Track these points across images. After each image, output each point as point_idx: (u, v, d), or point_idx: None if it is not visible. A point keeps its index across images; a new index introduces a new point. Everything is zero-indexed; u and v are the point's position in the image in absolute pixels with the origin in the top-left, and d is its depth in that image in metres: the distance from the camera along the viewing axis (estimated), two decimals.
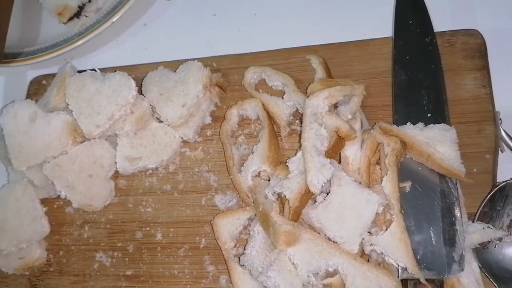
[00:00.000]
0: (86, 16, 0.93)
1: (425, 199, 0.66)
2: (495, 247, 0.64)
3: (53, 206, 0.84)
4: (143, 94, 0.80)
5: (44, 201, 0.83)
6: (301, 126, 0.77)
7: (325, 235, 0.65)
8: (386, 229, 0.64)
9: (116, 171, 0.82)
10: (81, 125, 0.77)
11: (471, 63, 0.74)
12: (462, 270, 0.62)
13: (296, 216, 0.66)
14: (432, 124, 0.68)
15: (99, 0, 0.92)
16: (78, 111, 0.77)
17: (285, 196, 0.66)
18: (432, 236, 0.64)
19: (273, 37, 0.86)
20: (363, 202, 0.63)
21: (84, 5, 0.92)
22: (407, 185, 0.67)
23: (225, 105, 0.82)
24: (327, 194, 0.67)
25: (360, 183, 0.66)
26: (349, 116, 0.71)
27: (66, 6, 0.90)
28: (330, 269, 0.63)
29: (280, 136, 0.77)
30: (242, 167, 0.74)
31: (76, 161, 0.78)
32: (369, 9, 0.84)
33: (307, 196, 0.66)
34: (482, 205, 0.65)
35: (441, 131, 0.67)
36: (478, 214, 0.65)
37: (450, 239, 0.64)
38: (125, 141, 0.80)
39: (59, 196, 0.82)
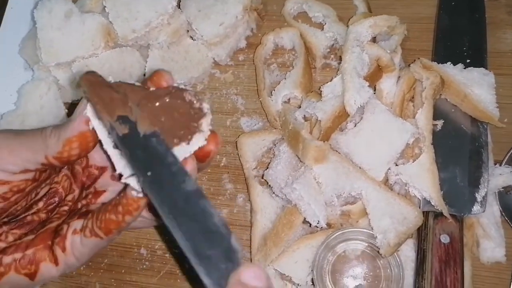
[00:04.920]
0: None
1: (455, 140, 0.66)
2: None
3: None
4: (180, 9, 0.79)
5: (67, 106, 0.82)
6: (336, 61, 0.77)
7: (352, 161, 0.65)
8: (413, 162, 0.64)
9: None
10: (116, 28, 0.76)
11: None
12: (483, 211, 0.63)
13: (326, 138, 0.66)
14: (472, 67, 0.68)
15: None
16: (115, 14, 0.76)
17: (317, 118, 0.66)
18: (458, 175, 0.64)
19: None
20: (395, 131, 0.63)
21: None
22: (439, 123, 0.67)
23: (261, 33, 0.81)
24: (355, 125, 0.67)
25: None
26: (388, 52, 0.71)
27: None
28: (353, 193, 0.63)
29: (314, 68, 0.77)
30: (273, 91, 0.74)
31: (106, 65, 0.77)
32: None
33: (340, 119, 0.66)
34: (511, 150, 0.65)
35: (480, 74, 0.67)
36: (506, 158, 0.65)
37: (475, 180, 0.64)
38: (156, 53, 0.79)
39: None
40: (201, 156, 0.44)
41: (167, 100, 0.42)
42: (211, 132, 0.43)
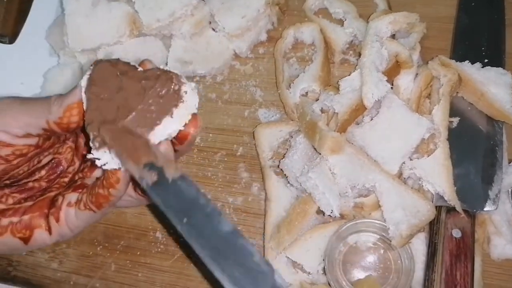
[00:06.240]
0: None
1: (470, 137, 0.67)
2: None
3: None
4: (204, 1, 0.81)
5: None
6: (355, 57, 0.78)
7: (367, 154, 0.66)
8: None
9: None
10: (142, 16, 0.78)
11: None
12: (496, 208, 0.63)
13: (342, 131, 0.67)
14: (490, 66, 0.69)
15: None
16: (140, 3, 0.78)
17: (334, 111, 0.67)
18: (471, 172, 0.65)
19: None
20: (411, 125, 0.64)
21: None
22: (455, 120, 0.68)
23: (281, 27, 0.83)
24: (371, 119, 0.68)
25: None
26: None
27: None
28: (367, 185, 0.64)
29: (333, 62, 0.78)
30: (291, 84, 0.76)
31: (129, 53, 0.79)
32: None
33: (357, 112, 0.67)
34: None
35: (498, 74, 0.68)
36: None
37: (488, 178, 0.65)
38: (179, 43, 0.81)
39: None
40: (179, 138, 0.44)
41: (149, 81, 0.43)
42: (192, 116, 0.43)
